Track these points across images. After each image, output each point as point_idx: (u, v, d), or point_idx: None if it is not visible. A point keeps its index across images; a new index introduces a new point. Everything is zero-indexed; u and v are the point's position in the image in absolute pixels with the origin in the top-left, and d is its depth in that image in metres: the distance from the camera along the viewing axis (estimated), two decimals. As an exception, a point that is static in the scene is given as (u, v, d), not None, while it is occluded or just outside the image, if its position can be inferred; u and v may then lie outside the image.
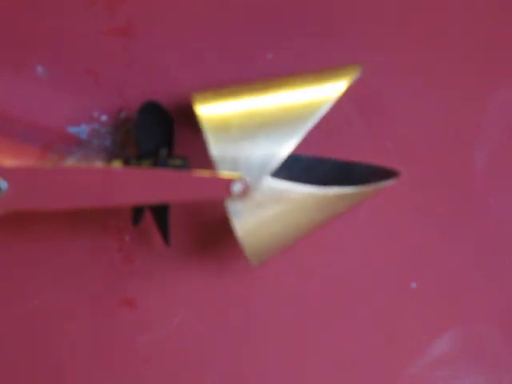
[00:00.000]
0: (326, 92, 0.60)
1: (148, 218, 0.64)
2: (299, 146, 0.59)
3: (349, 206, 0.62)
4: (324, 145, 0.67)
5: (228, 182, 0.58)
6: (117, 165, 0.61)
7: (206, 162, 0.65)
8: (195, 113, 0.60)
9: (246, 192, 0.59)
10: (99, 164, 0.62)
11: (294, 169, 0.64)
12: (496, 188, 0.69)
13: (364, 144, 0.68)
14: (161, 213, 0.62)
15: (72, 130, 0.66)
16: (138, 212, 0.63)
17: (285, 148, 0.59)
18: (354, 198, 0.61)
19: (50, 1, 0.66)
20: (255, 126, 0.59)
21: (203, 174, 0.59)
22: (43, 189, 0.58)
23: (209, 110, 0.60)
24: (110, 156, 0.65)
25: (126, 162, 0.62)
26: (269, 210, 0.59)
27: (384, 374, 0.69)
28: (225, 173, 0.59)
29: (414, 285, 0.69)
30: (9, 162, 0.60)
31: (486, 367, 0.69)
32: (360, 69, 0.61)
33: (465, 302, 0.69)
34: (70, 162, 0.62)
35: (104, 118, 0.66)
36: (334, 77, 0.61)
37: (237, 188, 0.59)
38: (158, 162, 0.61)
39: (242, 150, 0.59)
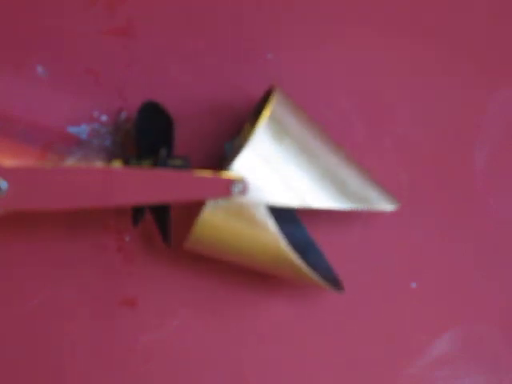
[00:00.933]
0: (349, 204, 0.61)
1: (148, 218, 0.64)
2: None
3: (293, 279, 0.63)
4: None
5: (228, 183, 0.58)
6: (117, 165, 0.61)
7: (206, 162, 0.65)
8: (265, 107, 0.60)
9: (245, 193, 0.59)
10: (99, 164, 0.62)
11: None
12: (496, 188, 0.69)
13: (364, 144, 0.68)
14: (161, 213, 0.62)
15: (72, 129, 0.66)
16: (137, 212, 0.63)
17: (299, 202, 0.60)
18: (304, 278, 0.62)
19: (50, 1, 0.66)
20: (298, 166, 0.60)
21: (203, 173, 0.59)
22: (43, 189, 0.58)
23: (275, 119, 0.60)
24: (110, 156, 0.65)
25: (126, 162, 0.62)
26: (238, 223, 0.60)
27: (384, 374, 0.69)
28: (225, 173, 0.59)
29: (413, 285, 0.69)
30: (9, 162, 0.60)
31: (486, 367, 0.69)
32: (396, 206, 0.63)
33: (465, 302, 0.69)
34: (70, 161, 0.62)
35: (104, 118, 0.66)
36: (372, 198, 0.62)
37: (237, 188, 0.59)
38: (158, 162, 0.61)
39: (269, 169, 0.59)
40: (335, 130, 0.67)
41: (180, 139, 0.64)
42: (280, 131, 0.60)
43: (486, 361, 0.69)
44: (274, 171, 0.59)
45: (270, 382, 0.68)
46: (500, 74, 0.69)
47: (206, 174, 0.59)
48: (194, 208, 0.60)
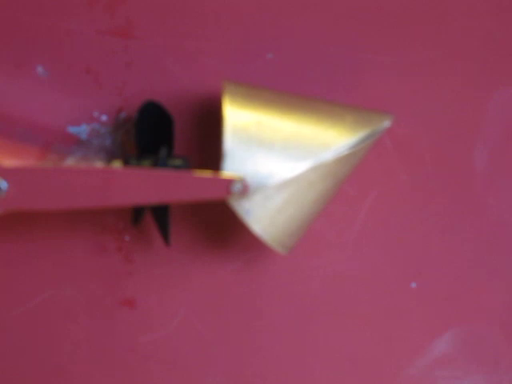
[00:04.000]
0: (349, 133, 0.61)
1: (148, 218, 0.64)
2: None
3: (349, 169, 0.62)
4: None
5: (228, 182, 0.58)
6: (117, 165, 0.61)
7: (206, 161, 0.65)
8: (223, 103, 0.60)
9: (245, 192, 0.59)
10: (99, 164, 0.62)
11: None
12: (496, 188, 0.69)
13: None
14: (161, 213, 0.62)
15: (72, 130, 0.66)
16: (137, 212, 0.63)
17: (293, 169, 0.59)
18: (352, 159, 0.61)
19: (50, 1, 0.66)
20: (275, 139, 0.59)
21: (203, 174, 0.59)
22: (43, 189, 0.58)
23: (237, 106, 0.60)
24: (110, 156, 0.65)
25: (126, 162, 0.62)
26: (277, 198, 0.60)
27: (384, 374, 0.69)
28: (225, 173, 0.59)
29: (413, 285, 0.69)
30: (9, 162, 0.60)
31: (486, 367, 0.69)
32: (390, 120, 0.62)
33: (465, 302, 0.69)
34: (70, 162, 0.62)
35: (104, 118, 0.66)
36: (365, 120, 0.61)
37: (237, 188, 0.59)
38: (158, 162, 0.61)
39: (254, 157, 0.59)
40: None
41: (180, 139, 0.65)
42: (249, 108, 0.60)
43: (486, 361, 0.69)
44: (267, 146, 0.59)
45: (270, 382, 0.68)
46: (500, 73, 0.69)
47: (206, 174, 0.59)
48: (194, 208, 0.60)
